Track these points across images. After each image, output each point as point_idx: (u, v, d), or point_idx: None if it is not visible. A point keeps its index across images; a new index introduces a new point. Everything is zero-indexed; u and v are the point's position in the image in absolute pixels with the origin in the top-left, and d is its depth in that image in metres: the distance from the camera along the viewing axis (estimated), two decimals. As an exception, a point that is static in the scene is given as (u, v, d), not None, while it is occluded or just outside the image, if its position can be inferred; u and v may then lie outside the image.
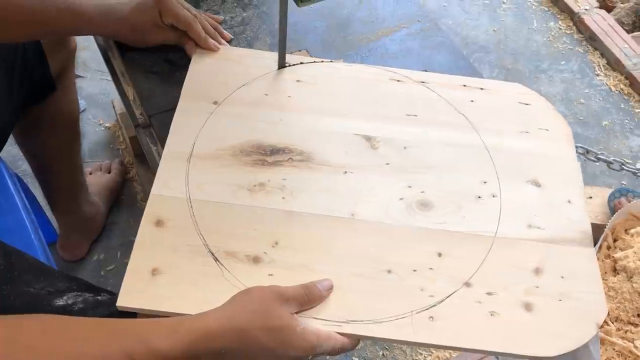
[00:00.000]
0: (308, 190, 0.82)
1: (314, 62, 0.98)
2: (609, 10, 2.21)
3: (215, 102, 0.90)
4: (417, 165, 0.86)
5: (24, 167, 1.56)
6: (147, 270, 0.73)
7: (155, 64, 0.98)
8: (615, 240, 0.95)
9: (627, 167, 1.11)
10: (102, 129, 1.69)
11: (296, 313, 0.68)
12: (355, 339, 0.71)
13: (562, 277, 0.77)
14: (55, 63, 1.11)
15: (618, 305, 0.87)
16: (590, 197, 1.44)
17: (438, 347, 0.71)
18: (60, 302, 0.78)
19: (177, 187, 0.81)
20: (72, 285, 0.82)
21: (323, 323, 0.70)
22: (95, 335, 0.59)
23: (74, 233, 1.41)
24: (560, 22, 2.15)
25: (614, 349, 0.84)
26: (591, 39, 2.09)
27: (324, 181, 0.84)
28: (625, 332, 0.86)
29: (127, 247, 1.47)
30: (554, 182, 0.86)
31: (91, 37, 1.78)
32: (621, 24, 2.15)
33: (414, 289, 0.74)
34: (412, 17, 1.11)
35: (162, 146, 0.87)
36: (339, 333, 0.70)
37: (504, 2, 2.19)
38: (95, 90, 1.77)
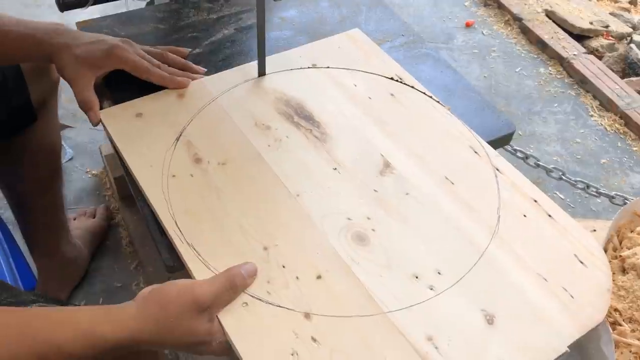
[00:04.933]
0: (292, 155, 0.85)
1: (424, 93, 0.97)
2: (598, 58, 2.23)
3: (326, 67, 1.00)
4: (399, 212, 0.80)
5: (6, 215, 1.51)
6: (135, 113, 0.89)
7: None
8: (621, 241, 0.89)
9: (630, 201, 1.06)
10: (89, 176, 1.65)
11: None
12: None
13: None
14: (37, 92, 1.09)
15: (630, 304, 0.79)
16: (595, 230, 1.40)
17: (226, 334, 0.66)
18: None
19: (220, 87, 0.94)
20: (38, 299, 0.76)
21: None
22: (7, 339, 0.59)
23: (53, 276, 1.33)
24: (550, 67, 2.17)
25: (630, 351, 0.76)
26: (582, 82, 2.10)
27: (311, 161, 0.85)
28: (642, 332, 0.78)
29: (110, 294, 1.40)
30: (512, 339, 0.68)
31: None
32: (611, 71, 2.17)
33: (263, 277, 0.71)
34: (395, 33, 1.10)
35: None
36: None
37: (493, 51, 2.22)
38: (84, 139, 1.75)
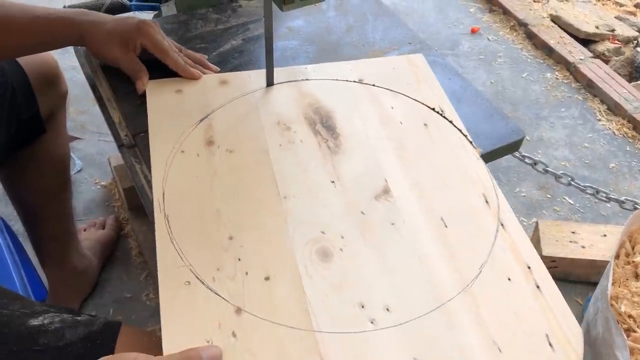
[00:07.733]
0: (297, 159, 0.85)
1: (459, 130, 0.93)
2: (604, 63, 2.23)
3: (372, 84, 1.00)
4: (374, 240, 0.76)
5: (16, 227, 1.52)
6: (175, 89, 0.94)
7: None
8: (633, 246, 0.88)
9: (640, 206, 1.06)
10: (98, 187, 1.66)
11: None
12: None
13: None
14: (46, 104, 1.10)
15: (644, 310, 0.79)
16: (605, 235, 1.39)
17: None
18: (35, 322, 0.72)
19: (262, 82, 0.97)
20: (50, 309, 0.76)
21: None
22: None
23: (63, 288, 1.34)
24: (556, 72, 2.16)
25: (645, 358, 0.75)
26: (589, 87, 2.09)
27: (312, 169, 0.85)
28: (657, 338, 0.77)
29: (120, 304, 1.40)
30: None
31: (90, 99, 1.80)
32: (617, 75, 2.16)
33: (215, 264, 0.72)
34: (403, 41, 1.10)
35: (147, 166, 0.84)
36: None
37: (499, 57, 2.22)
38: (93, 150, 1.76)
